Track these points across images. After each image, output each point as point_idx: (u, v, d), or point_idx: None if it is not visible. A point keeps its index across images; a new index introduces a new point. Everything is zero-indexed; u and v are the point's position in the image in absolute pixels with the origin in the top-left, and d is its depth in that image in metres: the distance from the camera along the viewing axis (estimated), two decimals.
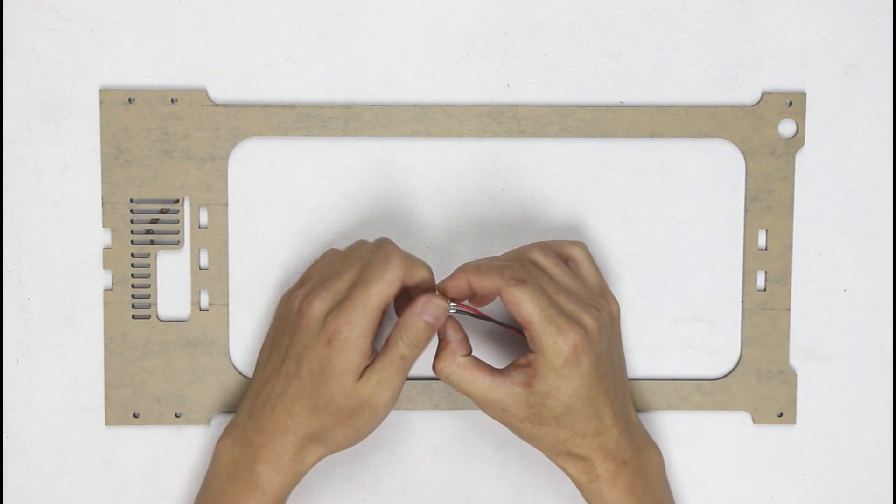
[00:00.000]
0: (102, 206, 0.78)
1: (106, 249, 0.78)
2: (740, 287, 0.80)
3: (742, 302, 0.80)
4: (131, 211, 0.78)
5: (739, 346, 0.80)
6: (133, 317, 0.78)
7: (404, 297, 0.72)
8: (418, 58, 0.78)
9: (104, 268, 0.78)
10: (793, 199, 0.79)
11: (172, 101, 0.77)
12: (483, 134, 0.78)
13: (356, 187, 0.79)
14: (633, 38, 0.79)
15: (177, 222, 0.78)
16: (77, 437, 0.79)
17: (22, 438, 0.79)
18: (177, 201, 0.78)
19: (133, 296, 0.78)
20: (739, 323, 0.80)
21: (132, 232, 0.78)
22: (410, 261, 0.71)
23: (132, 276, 0.78)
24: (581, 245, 0.75)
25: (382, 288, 0.69)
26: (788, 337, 0.80)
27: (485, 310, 0.74)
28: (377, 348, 0.71)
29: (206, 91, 0.78)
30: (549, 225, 0.79)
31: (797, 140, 0.79)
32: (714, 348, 0.80)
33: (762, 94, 0.79)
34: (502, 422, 0.72)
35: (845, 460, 0.81)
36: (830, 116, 0.80)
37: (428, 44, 0.78)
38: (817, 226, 0.80)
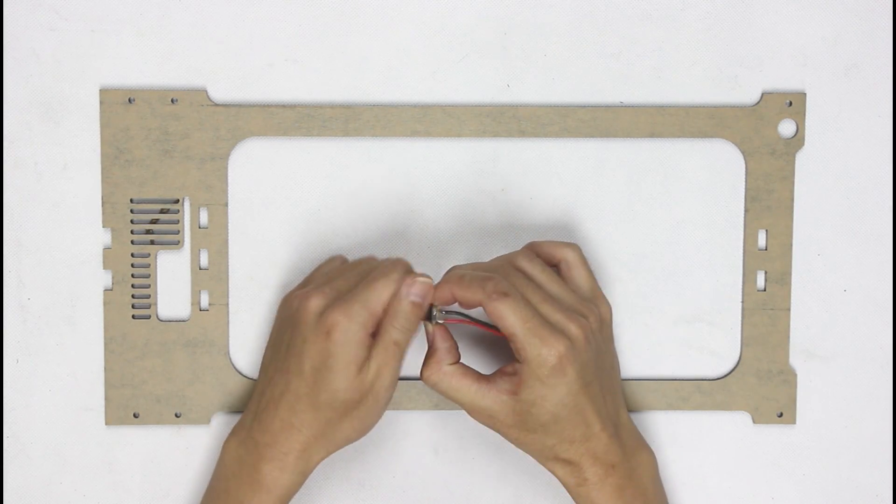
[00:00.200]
0: (102, 206, 0.78)
1: (106, 249, 0.78)
2: (740, 287, 0.80)
3: (742, 302, 0.80)
4: (131, 211, 0.78)
5: (739, 346, 0.80)
6: (133, 317, 0.78)
7: None
8: (418, 58, 0.78)
9: (104, 268, 0.78)
10: (793, 199, 0.79)
11: (172, 101, 0.77)
12: (483, 134, 0.78)
13: (356, 187, 0.79)
14: (633, 38, 0.79)
15: (177, 222, 0.78)
16: (77, 437, 0.79)
17: (22, 438, 0.79)
18: (177, 201, 0.78)
19: (133, 296, 0.78)
20: (739, 323, 0.80)
21: (132, 232, 0.78)
22: (415, 272, 0.71)
23: (132, 276, 0.78)
24: (574, 247, 0.75)
25: (385, 284, 0.70)
26: (788, 337, 0.80)
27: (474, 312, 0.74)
28: None
29: (206, 91, 0.78)
30: (550, 225, 0.79)
31: (797, 140, 0.79)
32: (714, 348, 0.80)
33: (762, 94, 0.79)
34: (490, 427, 0.72)
35: (845, 460, 0.81)
36: (830, 116, 0.80)
37: (428, 44, 0.78)
38: (817, 226, 0.80)
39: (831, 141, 0.80)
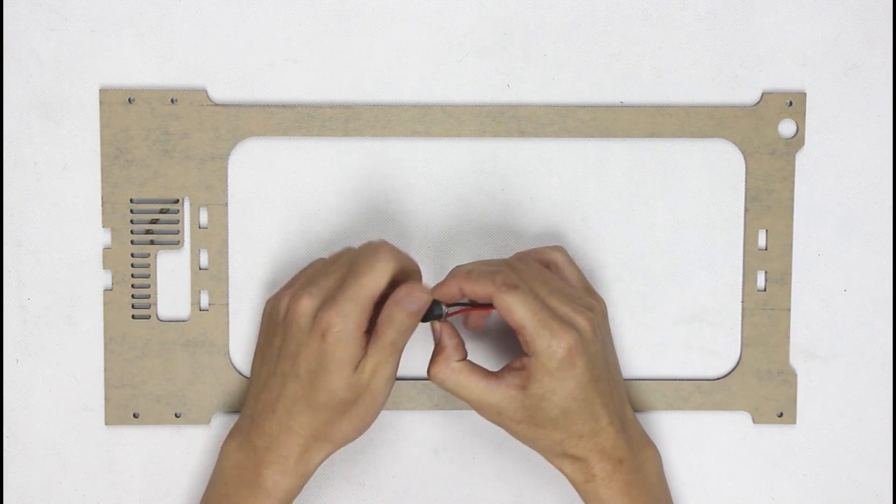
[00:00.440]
0: (102, 206, 0.78)
1: (106, 249, 0.78)
2: (740, 287, 0.80)
3: (742, 302, 0.80)
4: (131, 211, 0.78)
5: (739, 346, 0.80)
6: (133, 317, 0.78)
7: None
8: (418, 58, 0.78)
9: (104, 268, 0.78)
10: (793, 199, 0.79)
11: (172, 101, 0.77)
12: (483, 134, 0.78)
13: (356, 187, 0.79)
14: (633, 38, 0.79)
15: (177, 222, 0.78)
16: (77, 437, 0.79)
17: (22, 438, 0.79)
18: (177, 201, 0.78)
19: (133, 296, 0.78)
20: (739, 323, 0.80)
21: (132, 232, 0.78)
22: (399, 253, 0.70)
23: (132, 276, 0.78)
24: (561, 249, 0.75)
25: (373, 278, 0.69)
26: (788, 337, 0.80)
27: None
28: None
29: (206, 91, 0.78)
30: (550, 224, 0.79)
31: (797, 140, 0.79)
32: (714, 348, 0.80)
33: (762, 94, 0.79)
34: (498, 424, 0.72)
35: (845, 460, 0.81)
36: (830, 116, 0.80)
37: (428, 44, 0.78)
38: (817, 226, 0.80)
39: (831, 141, 0.80)
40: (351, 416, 0.71)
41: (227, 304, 0.78)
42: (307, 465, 0.71)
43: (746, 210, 0.79)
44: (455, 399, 0.79)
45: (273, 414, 0.71)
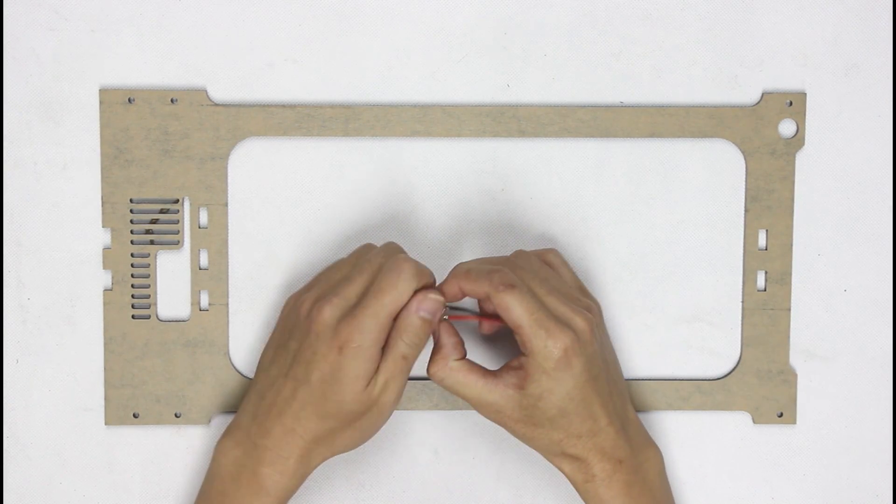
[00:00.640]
0: (102, 206, 0.78)
1: (106, 249, 0.78)
2: (740, 287, 0.80)
3: (742, 302, 0.80)
4: (131, 211, 0.78)
5: (739, 346, 0.80)
6: (133, 317, 0.78)
7: None
8: (418, 58, 0.78)
9: (104, 268, 0.78)
10: (793, 199, 0.79)
11: (172, 101, 0.77)
12: (483, 134, 0.78)
13: (356, 187, 0.79)
14: (633, 38, 0.79)
15: (177, 222, 0.78)
16: (77, 437, 0.79)
17: (22, 438, 0.79)
18: (177, 201, 0.78)
19: (133, 296, 0.78)
20: (739, 323, 0.80)
21: (132, 232, 0.78)
22: (420, 270, 0.71)
23: (132, 276, 0.78)
24: (555, 251, 0.76)
25: (395, 297, 0.69)
26: (788, 337, 0.80)
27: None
28: None
29: (206, 91, 0.78)
30: (550, 225, 0.79)
31: (797, 140, 0.79)
32: (714, 348, 0.80)
33: (762, 94, 0.79)
34: (497, 423, 0.72)
35: (845, 460, 0.81)
36: (830, 116, 0.80)
37: (428, 44, 0.78)
38: (817, 226, 0.80)
39: (831, 141, 0.80)
40: (355, 428, 0.71)
41: (227, 304, 0.78)
42: (306, 467, 0.72)
43: (746, 210, 0.79)
44: (455, 399, 0.79)
45: (280, 416, 0.71)
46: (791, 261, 0.80)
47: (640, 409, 0.80)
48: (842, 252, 0.80)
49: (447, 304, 0.72)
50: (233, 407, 0.79)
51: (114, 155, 0.77)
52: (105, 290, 0.78)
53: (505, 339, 0.79)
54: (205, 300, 0.79)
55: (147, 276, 0.78)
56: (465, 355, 0.72)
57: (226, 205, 0.78)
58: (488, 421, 0.73)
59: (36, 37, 0.77)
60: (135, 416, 0.78)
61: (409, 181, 0.79)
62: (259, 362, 0.75)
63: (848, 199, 0.80)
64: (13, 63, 0.77)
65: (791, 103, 0.79)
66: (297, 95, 0.78)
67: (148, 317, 0.78)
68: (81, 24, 0.77)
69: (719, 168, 0.79)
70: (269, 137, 0.78)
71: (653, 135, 0.79)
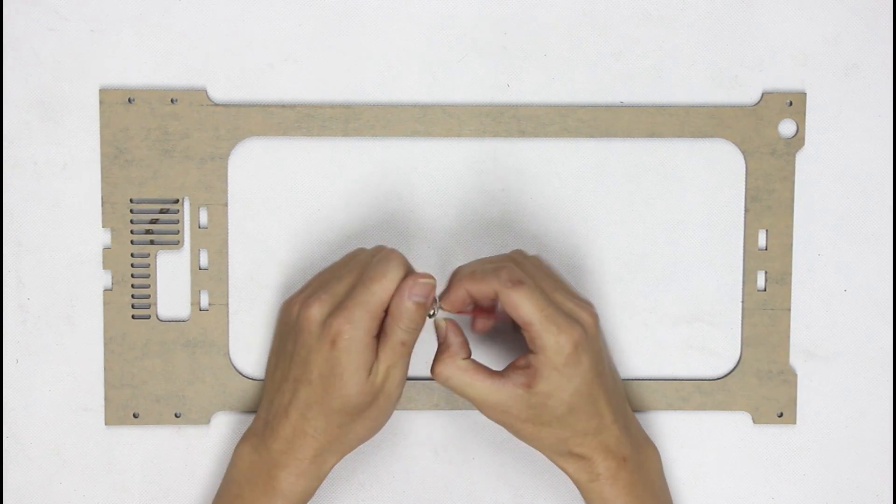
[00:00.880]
0: (102, 205, 0.78)
1: (106, 249, 0.78)
2: (740, 287, 0.80)
3: (742, 302, 0.80)
4: (131, 211, 0.78)
5: (739, 346, 0.80)
6: (133, 317, 0.78)
7: None
8: (418, 58, 0.78)
9: (104, 268, 0.78)
10: (793, 199, 0.79)
11: (172, 101, 0.77)
12: (483, 134, 0.78)
13: (356, 187, 0.79)
14: (633, 38, 0.79)
15: (177, 222, 0.78)
16: (77, 437, 0.79)
17: (22, 438, 0.79)
18: (177, 201, 0.78)
19: (133, 296, 0.78)
20: (739, 323, 0.80)
21: (132, 232, 0.78)
22: (408, 263, 0.71)
23: (132, 276, 0.78)
24: (538, 257, 0.75)
25: (384, 286, 0.69)
26: (788, 337, 0.80)
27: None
28: None
29: (206, 91, 0.78)
30: (550, 225, 0.79)
31: (797, 140, 0.79)
32: (714, 348, 0.80)
33: (762, 94, 0.79)
34: (502, 424, 0.72)
35: (845, 460, 0.81)
36: (830, 116, 0.80)
37: (428, 44, 0.78)
38: (817, 226, 0.80)
39: (831, 141, 0.80)
40: (364, 419, 0.71)
41: (227, 304, 0.78)
42: (321, 468, 0.72)
43: (746, 210, 0.79)
44: (455, 399, 0.79)
45: (287, 418, 0.71)
46: (791, 261, 0.80)
47: (639, 409, 0.80)
48: (842, 252, 0.80)
49: (456, 312, 0.71)
50: (233, 407, 0.79)
51: (114, 155, 0.77)
52: (105, 290, 0.78)
53: (498, 339, 0.79)
54: (205, 300, 0.79)
55: (147, 276, 0.78)
56: (471, 355, 0.72)
57: (226, 205, 0.78)
58: (489, 421, 0.73)
59: (36, 37, 0.77)
60: (135, 416, 0.78)
61: (409, 181, 0.79)
62: (265, 369, 0.75)
63: (848, 199, 0.80)
64: (13, 63, 0.77)
65: (791, 103, 0.79)
66: (297, 95, 0.78)
67: (148, 317, 0.78)
68: (81, 24, 0.77)
69: (719, 168, 0.79)
70: (269, 137, 0.78)
71: (653, 135, 0.79)
